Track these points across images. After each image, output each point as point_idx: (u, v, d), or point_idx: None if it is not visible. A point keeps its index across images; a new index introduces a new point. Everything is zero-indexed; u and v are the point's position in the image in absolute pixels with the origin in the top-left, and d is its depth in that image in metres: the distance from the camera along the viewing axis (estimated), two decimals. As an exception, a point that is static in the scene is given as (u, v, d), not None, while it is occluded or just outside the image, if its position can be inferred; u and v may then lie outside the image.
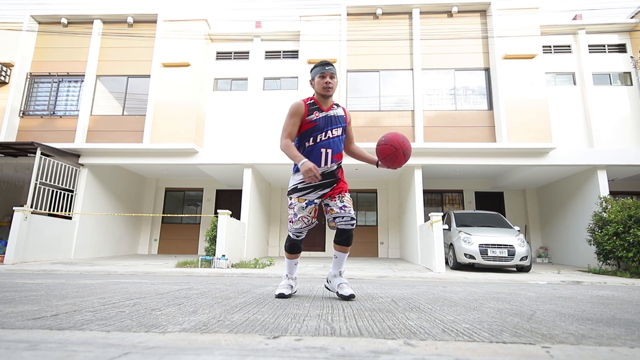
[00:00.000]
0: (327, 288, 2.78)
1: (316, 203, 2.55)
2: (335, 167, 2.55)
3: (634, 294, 3.48)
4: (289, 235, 2.63)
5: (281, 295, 2.53)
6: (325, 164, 2.50)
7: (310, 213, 2.54)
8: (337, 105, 2.65)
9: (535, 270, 7.75)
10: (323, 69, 2.51)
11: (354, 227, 2.54)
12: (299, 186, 2.52)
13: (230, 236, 7.80)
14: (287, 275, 2.70)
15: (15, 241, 7.37)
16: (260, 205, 10.95)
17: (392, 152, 2.48)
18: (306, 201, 2.52)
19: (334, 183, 2.56)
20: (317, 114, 2.52)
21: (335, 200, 2.53)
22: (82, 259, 9.31)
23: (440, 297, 2.78)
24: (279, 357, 1.06)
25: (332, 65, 2.55)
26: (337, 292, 2.63)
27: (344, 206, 2.51)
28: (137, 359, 1.02)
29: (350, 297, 2.55)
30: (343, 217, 2.49)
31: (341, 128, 2.57)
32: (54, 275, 5.15)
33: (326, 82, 2.51)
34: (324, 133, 2.50)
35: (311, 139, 2.50)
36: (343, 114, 2.61)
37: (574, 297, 3.02)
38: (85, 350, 1.10)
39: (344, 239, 2.54)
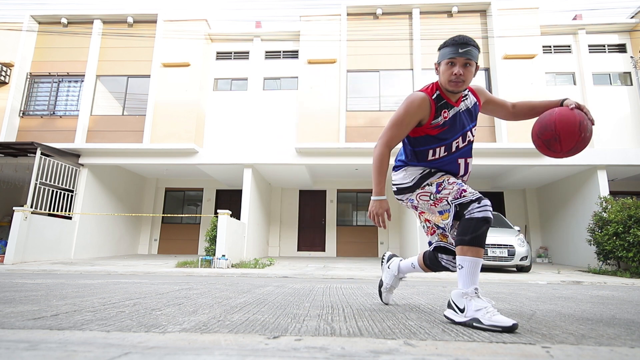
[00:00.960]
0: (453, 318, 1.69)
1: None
2: (467, 176, 1.97)
3: (634, 294, 3.48)
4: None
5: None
6: (465, 174, 1.93)
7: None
8: (468, 91, 1.89)
9: (535, 270, 7.75)
10: (455, 52, 1.69)
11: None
12: (425, 173, 1.86)
13: (230, 236, 7.80)
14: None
15: (15, 241, 7.37)
16: (260, 205, 10.95)
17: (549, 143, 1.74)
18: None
19: None
20: (445, 113, 1.78)
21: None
22: (82, 259, 9.30)
23: (440, 297, 2.78)
24: (279, 357, 1.06)
25: (473, 46, 1.69)
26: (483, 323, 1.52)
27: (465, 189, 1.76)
28: (137, 359, 1.02)
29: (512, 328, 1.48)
30: (479, 203, 1.66)
31: (475, 125, 1.90)
32: (54, 275, 5.15)
33: (455, 74, 1.70)
34: (461, 138, 1.84)
35: (443, 147, 1.82)
36: (475, 99, 1.88)
37: (574, 297, 3.02)
38: (85, 350, 1.10)
39: (476, 234, 1.62)
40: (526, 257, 7.21)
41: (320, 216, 12.69)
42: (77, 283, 3.61)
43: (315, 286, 3.60)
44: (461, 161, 1.89)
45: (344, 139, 9.69)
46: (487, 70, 10.14)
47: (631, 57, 10.43)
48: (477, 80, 10.17)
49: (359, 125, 10.01)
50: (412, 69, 10.25)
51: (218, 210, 7.81)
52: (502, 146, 8.95)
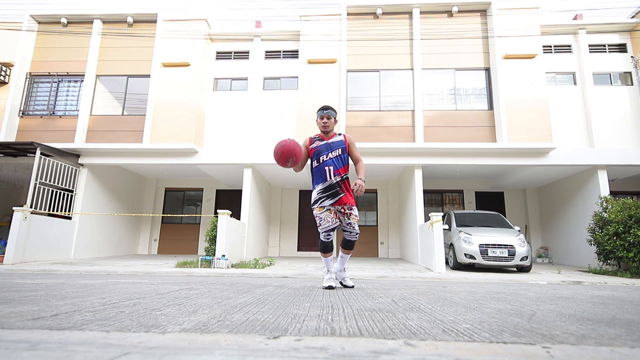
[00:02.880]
0: (335, 279, 3.47)
1: (330, 209, 3.27)
2: (339, 179, 3.29)
3: (634, 294, 3.48)
4: (321, 240, 3.32)
5: (330, 287, 3.25)
6: (330, 178, 3.28)
7: (331, 214, 3.26)
8: (339, 134, 3.47)
9: (535, 271, 7.75)
10: (322, 112, 3.40)
11: (356, 238, 3.39)
12: (316, 197, 3.32)
13: (230, 236, 7.80)
14: (328, 270, 3.41)
15: (15, 241, 7.37)
16: (260, 205, 10.95)
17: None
18: (324, 207, 3.28)
19: (339, 194, 3.27)
20: (317, 143, 3.40)
21: (344, 217, 3.29)
22: (82, 259, 9.30)
23: (440, 297, 2.78)
24: (279, 357, 1.06)
25: (331, 109, 3.41)
26: (341, 283, 3.52)
27: (350, 224, 3.31)
28: (137, 359, 1.02)
29: (351, 287, 3.45)
30: (350, 232, 3.35)
31: (340, 149, 3.35)
32: (54, 275, 5.15)
33: (323, 122, 3.39)
34: (325, 155, 3.33)
35: (315, 161, 3.36)
36: (342, 139, 3.41)
37: (575, 297, 3.01)
38: (85, 351, 1.09)
39: (347, 244, 3.41)
40: (526, 257, 7.21)
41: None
42: (77, 283, 3.60)
43: (315, 286, 3.60)
44: (326, 168, 3.30)
45: (344, 139, 9.69)
46: (487, 70, 10.14)
47: (631, 57, 10.43)
48: (477, 80, 10.17)
49: (359, 125, 10.01)
50: (412, 69, 10.25)
51: (218, 210, 7.81)
52: (502, 146, 8.95)
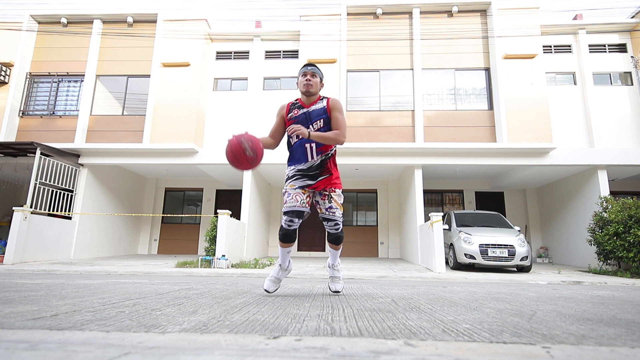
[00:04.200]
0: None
1: (305, 189, 2.62)
2: (323, 157, 2.63)
3: (634, 294, 3.48)
4: (281, 226, 2.63)
5: (266, 292, 2.68)
6: (312, 157, 2.61)
7: (302, 195, 2.59)
8: (324, 98, 2.70)
9: (535, 271, 7.75)
10: (305, 69, 2.65)
11: (339, 231, 2.70)
12: (289, 174, 2.68)
13: (230, 236, 7.80)
14: (280, 265, 2.74)
15: (15, 241, 7.37)
16: (260, 205, 10.94)
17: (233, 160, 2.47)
18: (295, 186, 2.63)
19: (320, 175, 2.62)
20: (296, 112, 2.66)
21: (324, 200, 2.64)
22: (82, 259, 9.30)
23: (440, 297, 2.78)
24: (279, 357, 1.06)
25: (315, 66, 2.67)
26: (328, 284, 2.95)
27: (330, 208, 2.63)
28: (137, 359, 1.02)
29: (334, 293, 2.82)
30: (328, 222, 2.66)
31: (322, 119, 2.61)
32: (54, 275, 5.15)
33: (306, 80, 2.61)
34: (306, 128, 2.56)
35: (294, 135, 2.59)
36: (324, 105, 2.64)
37: (575, 297, 3.01)
38: (85, 351, 1.09)
39: (332, 239, 2.75)
40: (526, 257, 7.21)
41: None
42: (77, 283, 3.60)
43: (315, 286, 3.60)
44: (307, 146, 2.60)
45: (344, 139, 9.68)
46: (487, 70, 10.14)
47: (631, 57, 10.43)
48: (477, 80, 10.17)
49: (358, 125, 10.00)
50: (412, 69, 10.25)
51: (218, 210, 7.81)
52: (502, 146, 8.95)
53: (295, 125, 2.50)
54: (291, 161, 2.70)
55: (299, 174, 2.63)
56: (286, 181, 2.70)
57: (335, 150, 2.74)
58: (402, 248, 11.61)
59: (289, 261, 2.81)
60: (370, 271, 6.70)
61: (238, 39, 11.35)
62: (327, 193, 2.63)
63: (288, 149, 2.73)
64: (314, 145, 2.59)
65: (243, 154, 2.35)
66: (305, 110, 2.65)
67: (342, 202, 2.70)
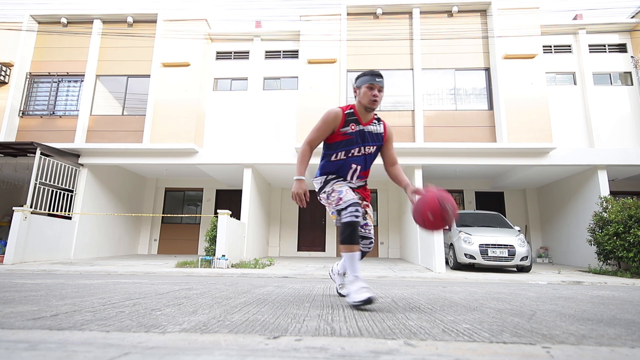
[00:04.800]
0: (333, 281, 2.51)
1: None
2: (362, 183, 2.44)
3: (634, 294, 3.48)
4: (345, 221, 2.11)
5: (368, 301, 2.01)
6: (352, 179, 2.38)
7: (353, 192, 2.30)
8: (379, 120, 2.41)
9: (535, 271, 7.75)
10: (374, 80, 2.24)
11: (371, 248, 2.42)
12: (328, 178, 2.38)
13: (230, 236, 7.80)
14: (356, 276, 2.12)
15: (15, 241, 7.37)
16: (260, 205, 10.94)
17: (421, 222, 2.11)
18: (343, 184, 2.31)
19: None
20: (353, 127, 2.30)
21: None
22: (82, 259, 9.30)
23: (440, 297, 2.78)
24: (279, 357, 1.06)
25: (383, 78, 2.29)
26: (337, 290, 2.71)
27: (366, 225, 2.36)
28: (137, 359, 1.02)
29: (341, 295, 2.64)
30: (363, 240, 2.35)
31: (376, 146, 2.38)
32: (54, 275, 5.15)
33: (374, 95, 2.24)
34: (357, 149, 2.31)
35: (343, 152, 2.31)
36: (382, 131, 2.38)
37: (575, 297, 3.01)
38: (85, 351, 1.09)
39: (364, 251, 2.42)
40: (526, 257, 7.21)
41: (320, 216, 12.69)
42: (77, 283, 3.60)
43: (315, 286, 3.60)
44: (353, 165, 2.34)
45: (344, 138, 9.68)
46: (487, 70, 10.14)
47: (631, 57, 10.43)
48: (477, 80, 10.17)
49: (359, 125, 9.99)
50: (412, 69, 10.25)
51: (218, 210, 7.81)
52: (502, 146, 8.95)
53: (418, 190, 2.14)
54: (328, 172, 2.39)
55: (341, 179, 2.35)
56: (325, 184, 2.35)
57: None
58: (402, 248, 11.61)
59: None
60: (370, 271, 6.70)
61: (238, 39, 11.35)
62: (363, 212, 2.32)
63: (326, 156, 2.37)
64: (359, 167, 2.35)
65: (441, 217, 2.00)
66: (361, 128, 2.31)
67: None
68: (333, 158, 2.34)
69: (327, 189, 2.31)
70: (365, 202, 2.43)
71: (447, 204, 1.99)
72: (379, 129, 2.38)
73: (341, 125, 2.28)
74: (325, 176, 2.37)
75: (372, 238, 2.38)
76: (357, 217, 2.09)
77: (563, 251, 10.50)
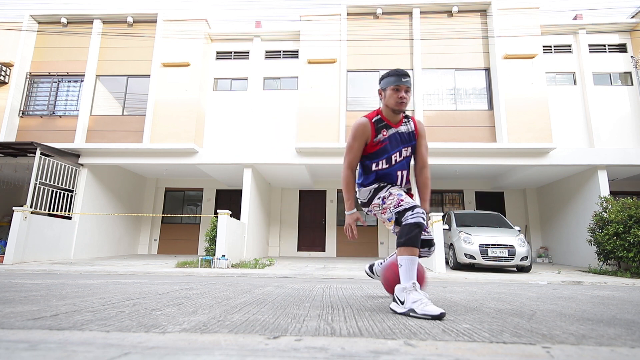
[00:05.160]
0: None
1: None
2: (407, 189, 2.32)
3: (634, 294, 3.48)
4: (413, 222, 1.93)
5: (442, 315, 1.73)
6: (401, 183, 2.26)
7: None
8: (408, 118, 2.28)
9: (535, 270, 7.75)
10: (399, 81, 2.13)
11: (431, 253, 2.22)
12: (377, 185, 2.23)
13: (230, 236, 7.80)
14: (413, 284, 1.91)
15: (14, 241, 7.37)
16: (260, 205, 10.94)
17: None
18: (397, 189, 2.20)
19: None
20: (385, 132, 2.18)
21: None
22: (82, 259, 9.30)
23: (440, 297, 2.78)
24: (279, 357, 1.06)
25: (409, 77, 2.18)
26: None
27: (426, 227, 2.11)
28: (137, 359, 1.02)
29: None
30: (423, 244, 2.11)
31: (411, 147, 2.26)
32: (54, 275, 5.15)
33: (401, 97, 2.12)
34: (397, 152, 2.19)
35: (384, 160, 2.19)
36: (413, 128, 2.26)
37: (575, 297, 3.01)
38: (85, 351, 1.09)
39: (425, 256, 2.20)
40: (526, 257, 7.21)
41: (320, 216, 12.69)
42: (77, 283, 3.60)
43: (315, 286, 3.59)
44: (399, 173, 2.24)
45: (344, 138, 9.69)
46: (487, 70, 10.14)
47: (631, 57, 10.43)
48: (477, 80, 10.17)
49: (359, 125, 9.99)
50: (412, 69, 10.25)
51: (218, 210, 7.81)
52: (502, 146, 8.95)
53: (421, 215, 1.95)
54: (374, 181, 2.25)
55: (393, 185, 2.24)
56: (376, 192, 2.20)
57: None
58: (402, 248, 11.59)
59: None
60: (370, 271, 6.69)
61: (238, 39, 11.35)
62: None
63: (365, 168, 2.26)
64: (405, 172, 2.26)
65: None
66: (395, 130, 2.19)
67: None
68: (374, 167, 2.21)
69: (382, 194, 2.17)
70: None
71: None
72: (410, 127, 2.26)
73: (373, 135, 2.17)
74: (374, 185, 2.23)
75: (433, 242, 2.19)
76: (424, 219, 1.97)
77: (563, 251, 10.50)
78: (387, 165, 2.20)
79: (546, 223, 11.61)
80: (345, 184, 2.21)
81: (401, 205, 2.02)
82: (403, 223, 1.97)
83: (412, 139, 2.26)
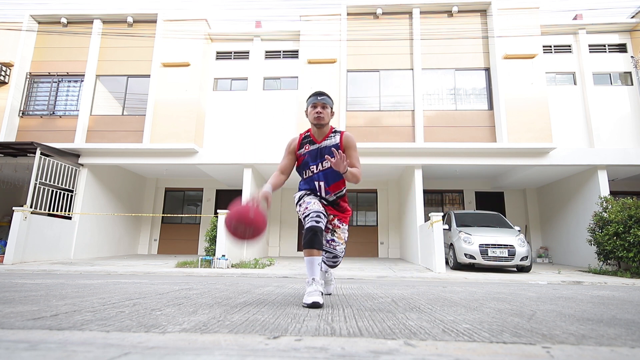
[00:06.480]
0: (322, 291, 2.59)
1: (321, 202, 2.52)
2: (333, 198, 2.51)
3: (634, 294, 3.48)
4: (307, 227, 2.25)
5: (315, 304, 2.10)
6: (324, 195, 2.50)
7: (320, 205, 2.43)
8: (336, 132, 2.50)
9: (535, 270, 7.75)
10: (315, 99, 2.45)
11: (336, 264, 2.60)
12: (302, 194, 2.55)
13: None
14: (312, 279, 2.22)
15: (15, 241, 7.37)
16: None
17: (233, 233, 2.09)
18: (313, 197, 2.50)
19: (331, 205, 2.52)
20: (307, 147, 2.50)
21: (327, 232, 2.51)
22: (82, 259, 9.30)
23: (440, 297, 2.78)
24: (279, 357, 1.06)
25: (326, 96, 2.48)
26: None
27: (332, 241, 2.50)
28: (137, 359, 1.02)
29: (328, 294, 2.74)
30: (326, 253, 2.52)
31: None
32: (54, 275, 5.15)
33: (317, 112, 2.42)
34: (315, 166, 2.48)
35: (307, 171, 2.51)
36: (337, 141, 2.46)
37: (575, 297, 3.01)
38: (85, 351, 1.09)
39: (329, 266, 2.64)
40: (526, 257, 7.21)
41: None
42: (77, 283, 3.60)
43: (315, 286, 3.59)
44: (316, 183, 2.48)
45: (344, 138, 9.68)
46: (487, 70, 10.14)
47: (631, 57, 10.42)
48: (477, 80, 10.17)
49: (359, 125, 10.00)
50: (412, 69, 10.25)
51: (218, 210, 7.81)
52: (502, 146, 8.95)
53: (335, 160, 2.22)
54: (303, 187, 2.57)
55: (312, 195, 2.51)
56: (300, 199, 2.51)
57: (345, 190, 2.57)
58: (402, 248, 11.61)
59: (331, 273, 2.76)
60: (370, 271, 6.70)
61: (238, 39, 11.35)
62: (332, 228, 2.50)
63: (301, 179, 2.60)
64: (322, 184, 2.47)
65: (238, 236, 2.06)
66: (316, 146, 2.47)
67: (346, 236, 2.55)
68: (303, 176, 2.56)
69: (301, 201, 2.48)
70: (336, 222, 2.51)
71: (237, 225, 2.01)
72: (335, 140, 2.46)
73: (297, 148, 2.52)
74: (302, 192, 2.54)
75: (337, 255, 2.51)
76: (317, 222, 2.24)
77: (563, 251, 10.50)
78: (309, 175, 2.51)
79: (546, 223, 11.61)
80: (271, 177, 2.50)
81: (304, 213, 2.35)
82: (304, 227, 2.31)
83: (331, 153, 2.41)
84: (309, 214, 2.29)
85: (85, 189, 9.68)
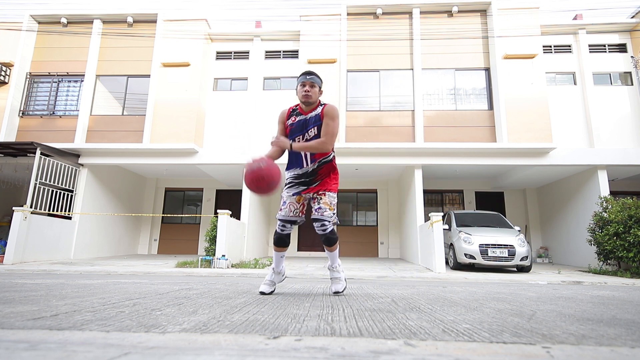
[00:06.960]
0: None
1: (301, 195, 2.72)
2: (316, 165, 2.69)
3: (634, 294, 3.48)
4: (276, 230, 2.76)
5: (262, 293, 2.70)
6: (307, 164, 2.69)
7: (296, 204, 2.71)
8: (322, 105, 2.75)
9: (535, 271, 7.75)
10: (304, 78, 2.72)
11: (327, 232, 2.69)
12: (287, 180, 2.79)
13: (230, 236, 7.80)
14: (273, 268, 2.83)
15: (14, 241, 7.37)
16: (260, 205, 10.94)
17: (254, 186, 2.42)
18: (291, 193, 2.72)
19: (315, 181, 2.70)
20: (294, 118, 2.74)
21: (314, 202, 2.70)
22: (82, 259, 9.30)
23: (440, 297, 2.78)
24: (279, 357, 1.06)
25: (315, 75, 2.74)
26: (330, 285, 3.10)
27: (319, 208, 2.66)
28: (137, 359, 1.02)
29: (334, 294, 2.81)
30: (316, 222, 2.67)
31: (317, 127, 2.68)
32: (54, 275, 5.15)
33: (305, 91, 2.68)
34: (301, 136, 2.68)
35: (294, 140, 2.71)
36: (319, 112, 2.69)
37: (575, 297, 3.01)
38: (84, 351, 1.09)
39: (323, 241, 2.76)
40: (526, 257, 7.21)
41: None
42: (77, 283, 3.60)
43: (315, 286, 3.60)
44: (302, 152, 2.67)
45: (343, 138, 9.70)
46: (487, 70, 10.14)
47: (631, 57, 10.42)
48: (477, 80, 10.16)
49: (359, 125, 10.00)
50: (412, 69, 10.24)
51: (218, 210, 7.81)
52: (502, 146, 8.95)
53: (276, 139, 2.61)
54: (289, 166, 2.78)
55: (295, 181, 2.73)
56: (284, 187, 2.77)
57: (333, 155, 2.76)
58: (402, 248, 11.61)
59: (283, 266, 2.92)
60: (370, 271, 6.70)
61: (238, 39, 11.35)
62: (318, 196, 2.69)
63: (288, 154, 2.80)
64: (308, 153, 2.66)
65: (260, 190, 2.42)
66: (303, 117, 2.71)
67: (333, 203, 2.71)
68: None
69: (282, 193, 2.78)
70: (322, 191, 2.70)
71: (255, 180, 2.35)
72: (318, 111, 2.71)
73: (286, 118, 2.79)
74: (287, 174, 2.76)
75: (323, 220, 2.65)
76: (282, 231, 2.71)
77: (563, 251, 10.50)
78: None
79: (546, 223, 11.61)
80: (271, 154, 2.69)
81: (277, 215, 2.74)
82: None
83: (318, 120, 2.67)
84: (278, 220, 2.72)
85: (85, 189, 9.68)
